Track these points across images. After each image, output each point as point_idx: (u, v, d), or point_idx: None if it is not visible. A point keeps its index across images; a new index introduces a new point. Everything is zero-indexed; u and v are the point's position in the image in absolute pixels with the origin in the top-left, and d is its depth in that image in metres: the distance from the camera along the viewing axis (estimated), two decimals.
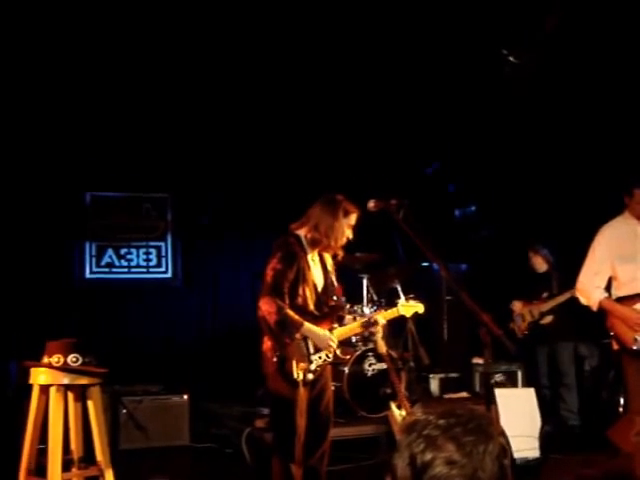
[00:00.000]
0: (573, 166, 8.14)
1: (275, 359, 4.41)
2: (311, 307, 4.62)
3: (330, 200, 4.66)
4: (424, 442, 1.56)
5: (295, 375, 4.39)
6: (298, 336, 4.45)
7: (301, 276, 4.55)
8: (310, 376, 4.48)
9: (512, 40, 7.42)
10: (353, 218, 4.65)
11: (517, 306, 7.53)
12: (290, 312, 4.42)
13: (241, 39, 7.56)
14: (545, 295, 7.38)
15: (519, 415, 5.97)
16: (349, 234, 4.65)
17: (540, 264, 7.59)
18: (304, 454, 4.45)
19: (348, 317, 4.94)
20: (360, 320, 4.94)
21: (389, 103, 8.60)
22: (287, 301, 4.46)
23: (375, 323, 4.82)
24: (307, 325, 4.47)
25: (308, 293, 4.60)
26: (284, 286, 4.46)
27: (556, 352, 7.38)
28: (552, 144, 8.34)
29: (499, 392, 5.99)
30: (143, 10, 7.05)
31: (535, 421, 6.04)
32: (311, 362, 4.49)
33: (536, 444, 5.84)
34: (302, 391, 4.42)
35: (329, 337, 4.56)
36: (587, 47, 7.34)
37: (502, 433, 5.41)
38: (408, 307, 5.01)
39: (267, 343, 4.48)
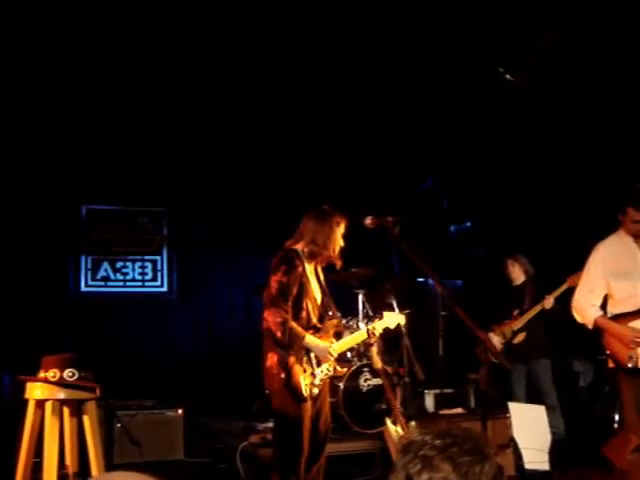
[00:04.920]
0: (568, 182, 8.17)
1: (283, 375, 4.42)
2: (314, 320, 4.69)
3: (321, 212, 4.75)
4: (420, 463, 1.56)
5: (303, 390, 4.43)
6: (299, 348, 4.49)
7: (304, 290, 4.62)
8: (315, 391, 4.55)
9: (508, 57, 7.47)
10: (343, 227, 4.76)
11: (494, 338, 6.96)
12: (293, 324, 4.48)
13: (238, 59, 7.63)
14: (516, 312, 6.97)
15: (530, 429, 5.98)
16: (342, 242, 4.75)
17: (518, 275, 7.18)
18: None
19: (346, 333, 4.98)
20: (357, 334, 4.99)
21: (384, 120, 8.64)
22: (290, 315, 4.51)
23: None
24: (308, 337, 4.53)
25: (311, 307, 4.67)
26: (288, 299, 4.51)
27: (534, 371, 6.96)
28: (547, 160, 8.38)
29: (512, 405, 6.02)
30: (140, 29, 7.13)
31: (545, 436, 6.04)
32: (315, 376, 4.55)
33: (546, 458, 5.85)
34: (308, 406, 4.46)
35: (328, 348, 4.62)
36: (583, 64, 7.39)
37: (511, 446, 5.48)
38: (392, 318, 5.10)
39: (272, 359, 4.49)
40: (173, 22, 7.19)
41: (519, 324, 6.90)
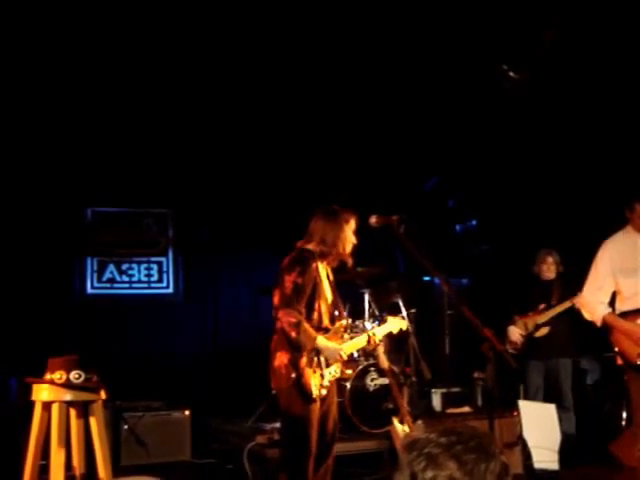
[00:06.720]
0: (573, 179, 8.14)
1: (294, 375, 4.42)
2: (325, 322, 4.70)
3: (329, 212, 4.75)
4: (425, 460, 1.55)
5: (313, 390, 4.43)
6: (310, 349, 4.50)
7: (317, 291, 4.63)
8: (324, 392, 4.56)
9: (511, 55, 7.46)
10: (353, 223, 4.76)
11: (513, 331, 6.89)
12: (306, 325, 4.48)
13: (240, 59, 7.63)
14: (542, 307, 6.83)
15: (540, 427, 5.96)
16: (353, 239, 4.75)
17: (549, 270, 6.95)
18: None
19: (346, 336, 4.95)
20: (364, 337, 5.01)
21: (388, 119, 8.63)
22: (304, 315, 4.51)
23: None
24: (320, 339, 4.53)
25: (323, 307, 4.68)
26: (303, 299, 4.51)
27: (553, 370, 6.85)
28: (552, 158, 8.35)
29: (522, 404, 6.00)
30: (142, 31, 7.14)
31: (555, 436, 6.02)
32: (323, 377, 4.55)
33: (556, 457, 5.83)
34: (316, 407, 4.46)
35: (339, 350, 4.63)
36: (586, 60, 7.37)
37: (519, 445, 5.48)
38: (395, 323, 5.19)
39: (282, 359, 4.48)
40: (175, 23, 7.20)
41: (544, 318, 6.76)
